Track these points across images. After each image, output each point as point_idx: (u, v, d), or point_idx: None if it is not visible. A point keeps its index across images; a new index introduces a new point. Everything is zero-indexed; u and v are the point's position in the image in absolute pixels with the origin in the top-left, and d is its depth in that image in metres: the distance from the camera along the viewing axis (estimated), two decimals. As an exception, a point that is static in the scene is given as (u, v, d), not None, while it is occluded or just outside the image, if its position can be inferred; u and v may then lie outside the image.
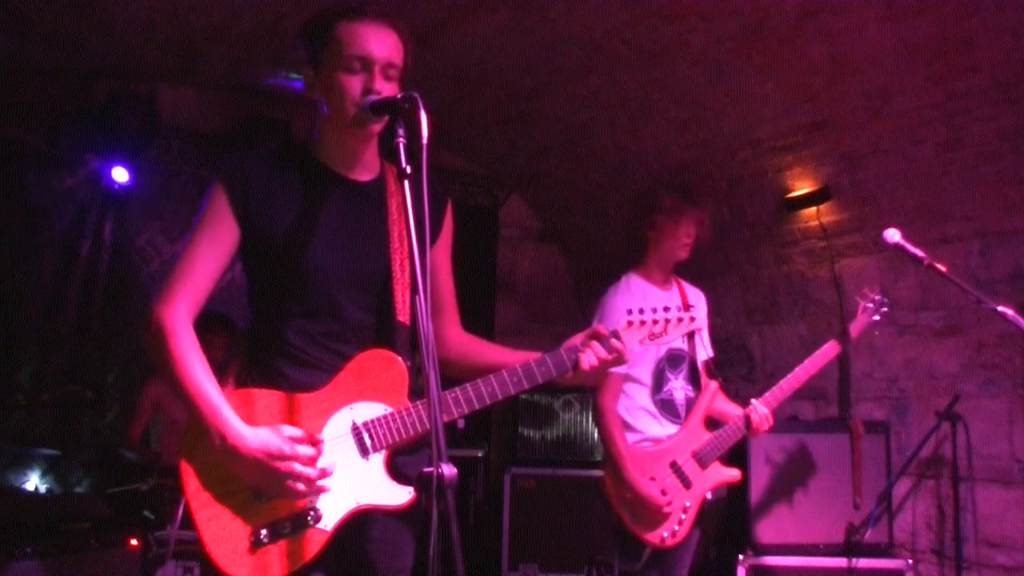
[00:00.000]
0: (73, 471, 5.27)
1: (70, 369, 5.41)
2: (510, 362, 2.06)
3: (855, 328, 3.55)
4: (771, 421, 3.33)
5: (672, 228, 3.36)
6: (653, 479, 3.19)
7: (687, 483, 3.22)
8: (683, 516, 3.19)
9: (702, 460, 3.26)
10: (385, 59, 1.98)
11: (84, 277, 5.49)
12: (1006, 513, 4.25)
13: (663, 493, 3.17)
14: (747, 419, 3.31)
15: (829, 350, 3.49)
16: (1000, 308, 2.82)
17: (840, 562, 4.14)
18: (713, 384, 3.39)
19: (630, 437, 3.29)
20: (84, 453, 5.30)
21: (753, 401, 3.33)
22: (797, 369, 3.43)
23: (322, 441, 1.91)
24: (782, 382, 3.40)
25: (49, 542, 3.69)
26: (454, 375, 2.15)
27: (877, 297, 3.59)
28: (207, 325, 4.63)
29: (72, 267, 5.45)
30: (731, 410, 3.40)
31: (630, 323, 2.12)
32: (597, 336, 2.08)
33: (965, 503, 4.35)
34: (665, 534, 3.16)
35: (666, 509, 3.16)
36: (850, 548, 4.18)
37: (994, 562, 4.26)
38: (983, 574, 4.28)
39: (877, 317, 3.57)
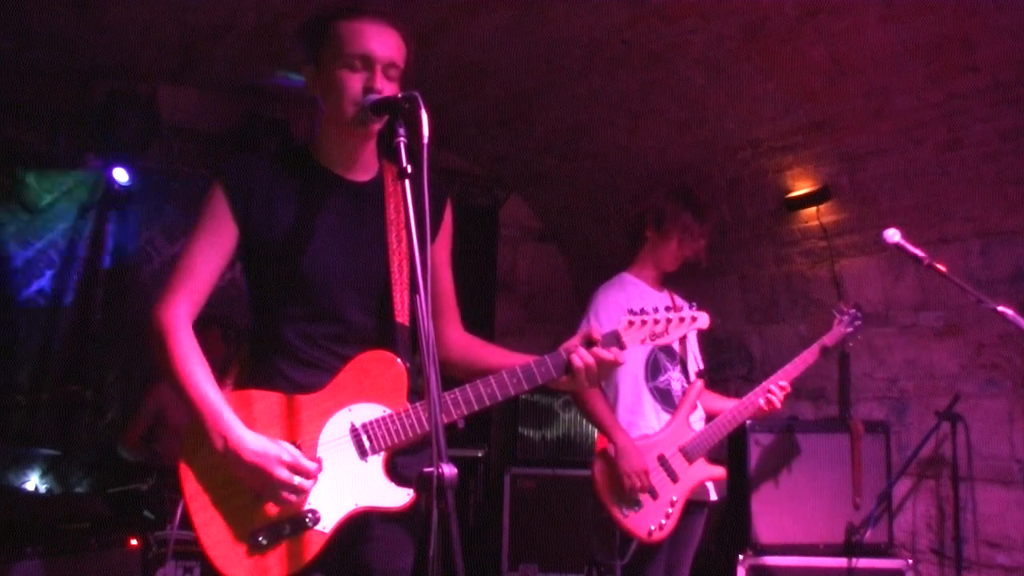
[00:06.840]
0: (73, 471, 5.27)
1: (70, 369, 5.40)
2: (511, 364, 2.04)
3: (829, 339, 3.60)
4: (787, 390, 3.39)
5: (678, 243, 3.40)
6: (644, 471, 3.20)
7: (674, 477, 3.24)
8: (670, 510, 3.20)
9: (689, 455, 3.27)
10: (387, 59, 1.97)
11: (84, 277, 5.49)
12: (1006, 513, 4.24)
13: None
14: (766, 400, 3.35)
15: (808, 356, 3.51)
16: (1000, 308, 2.82)
17: (840, 562, 4.13)
18: (698, 382, 3.43)
19: None
20: (84, 453, 5.29)
21: (771, 386, 3.38)
22: (780, 371, 3.46)
23: (321, 460, 1.91)
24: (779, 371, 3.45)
25: (49, 542, 3.69)
26: (456, 376, 2.14)
27: (852, 311, 3.63)
28: (201, 326, 4.65)
29: (72, 267, 5.45)
30: (721, 405, 3.45)
31: (631, 323, 2.11)
32: (590, 340, 2.04)
33: (965, 503, 4.35)
34: (652, 527, 3.17)
35: (655, 488, 3.17)
36: (850, 548, 4.18)
37: (994, 562, 4.26)
38: (983, 574, 4.28)
39: (850, 329, 3.61)
